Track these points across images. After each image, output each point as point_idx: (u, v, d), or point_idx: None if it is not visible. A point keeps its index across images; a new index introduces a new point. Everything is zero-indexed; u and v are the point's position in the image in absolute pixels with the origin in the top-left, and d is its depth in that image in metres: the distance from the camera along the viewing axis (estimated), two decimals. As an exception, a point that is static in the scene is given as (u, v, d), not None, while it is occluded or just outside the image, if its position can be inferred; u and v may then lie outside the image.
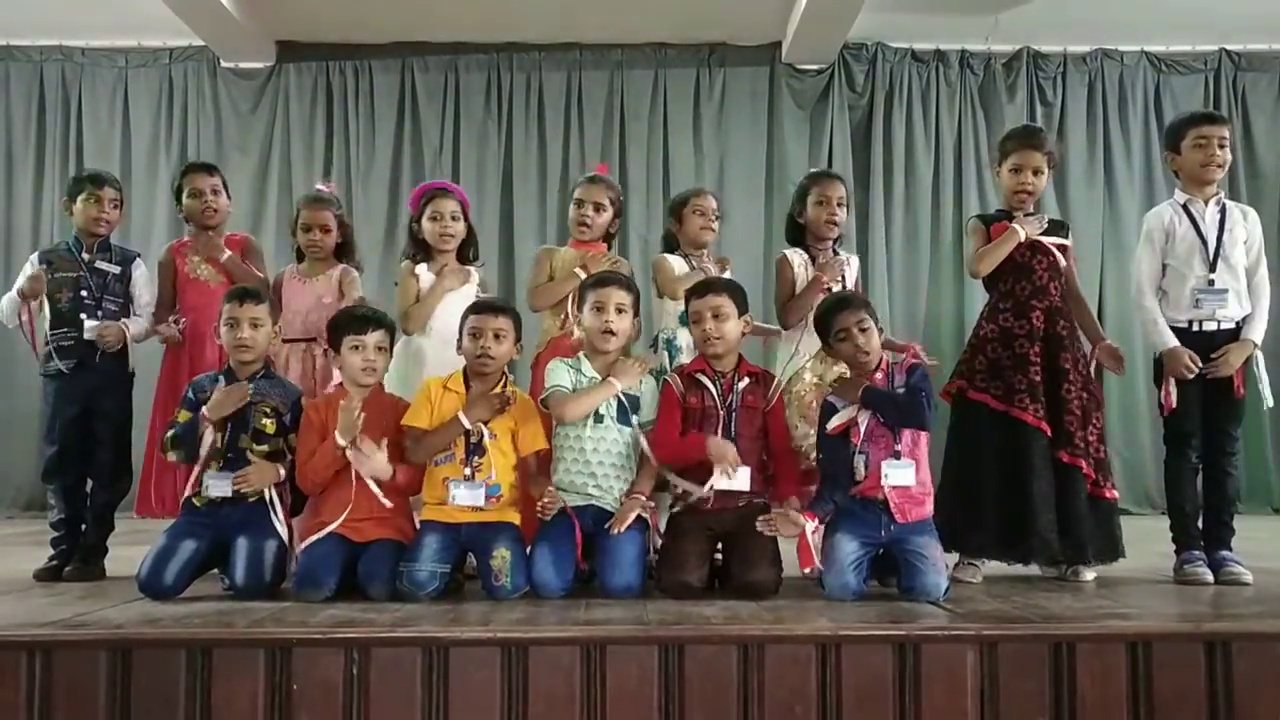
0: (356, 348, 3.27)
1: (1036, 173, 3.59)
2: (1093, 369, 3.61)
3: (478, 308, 3.34)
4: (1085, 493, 3.41)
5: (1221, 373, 3.47)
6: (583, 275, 3.69)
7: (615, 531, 3.10)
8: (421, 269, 3.81)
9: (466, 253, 3.92)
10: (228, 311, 3.34)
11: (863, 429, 3.11)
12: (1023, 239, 3.51)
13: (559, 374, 3.28)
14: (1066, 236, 3.64)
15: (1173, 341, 3.48)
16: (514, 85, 7.42)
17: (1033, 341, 3.47)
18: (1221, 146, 3.53)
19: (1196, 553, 3.46)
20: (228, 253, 3.97)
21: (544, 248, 4.09)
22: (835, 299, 3.37)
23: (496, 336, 3.24)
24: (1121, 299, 7.19)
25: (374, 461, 3.13)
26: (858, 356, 3.19)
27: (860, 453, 3.13)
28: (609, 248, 4.00)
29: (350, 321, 3.33)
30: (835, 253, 3.79)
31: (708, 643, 2.52)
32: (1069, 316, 3.56)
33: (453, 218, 3.80)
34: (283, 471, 3.25)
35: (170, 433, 3.29)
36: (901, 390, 3.14)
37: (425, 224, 3.78)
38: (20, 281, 3.79)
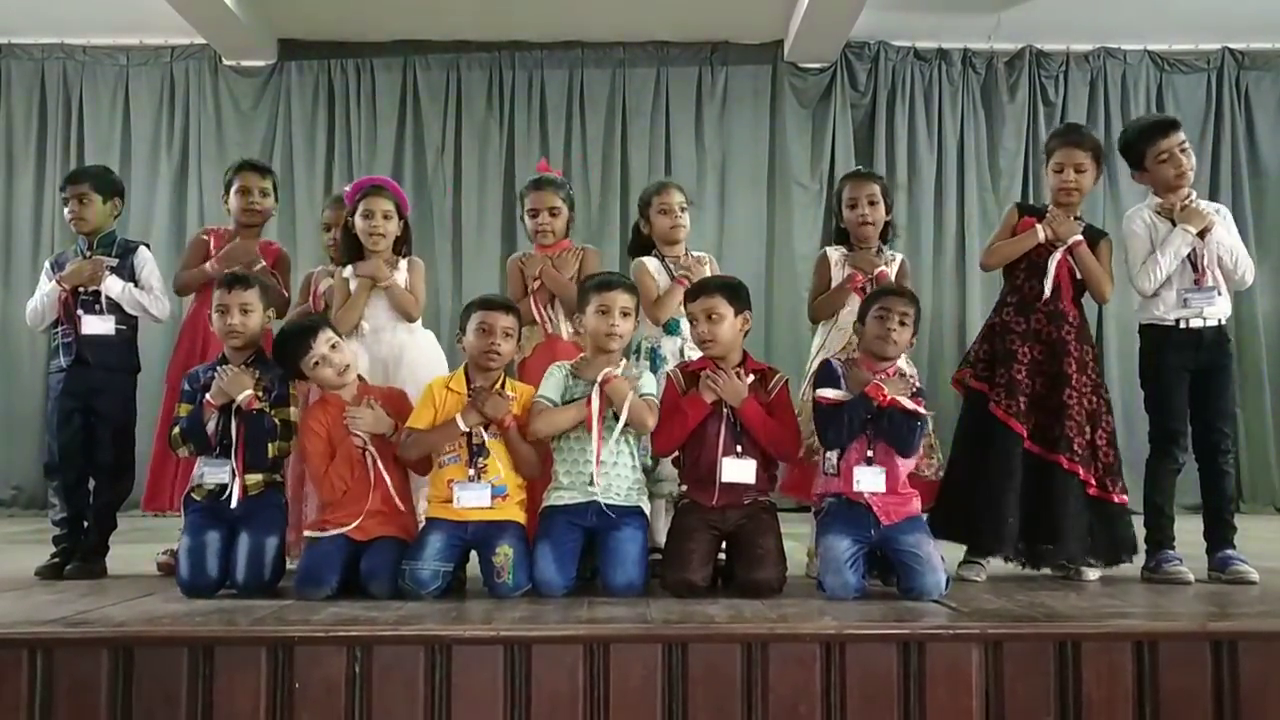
0: (318, 362, 3.19)
1: (1079, 170, 3.57)
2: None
3: (487, 304, 3.29)
4: (1084, 498, 3.39)
5: (1192, 221, 3.48)
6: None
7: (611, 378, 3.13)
8: (349, 271, 3.68)
9: (399, 251, 3.77)
10: (218, 298, 3.32)
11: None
12: (1041, 240, 3.49)
13: (550, 384, 3.25)
14: (1100, 241, 3.62)
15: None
16: (516, 84, 7.42)
17: (1025, 340, 3.47)
18: (1184, 151, 3.51)
19: (1171, 552, 3.45)
20: (261, 263, 3.89)
21: (514, 258, 3.99)
22: (895, 287, 3.43)
23: (505, 334, 3.22)
24: (1122, 299, 7.13)
25: (366, 418, 3.13)
26: (883, 342, 3.18)
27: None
28: (568, 236, 3.95)
29: (292, 342, 3.24)
30: (879, 250, 3.76)
31: (712, 641, 2.51)
32: (1075, 321, 3.54)
33: (384, 216, 3.65)
34: (250, 384, 3.21)
35: (175, 429, 3.27)
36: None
37: (358, 221, 3.66)
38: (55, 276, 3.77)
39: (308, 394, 3.49)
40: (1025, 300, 3.53)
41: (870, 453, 3.10)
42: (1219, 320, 3.53)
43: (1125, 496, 3.47)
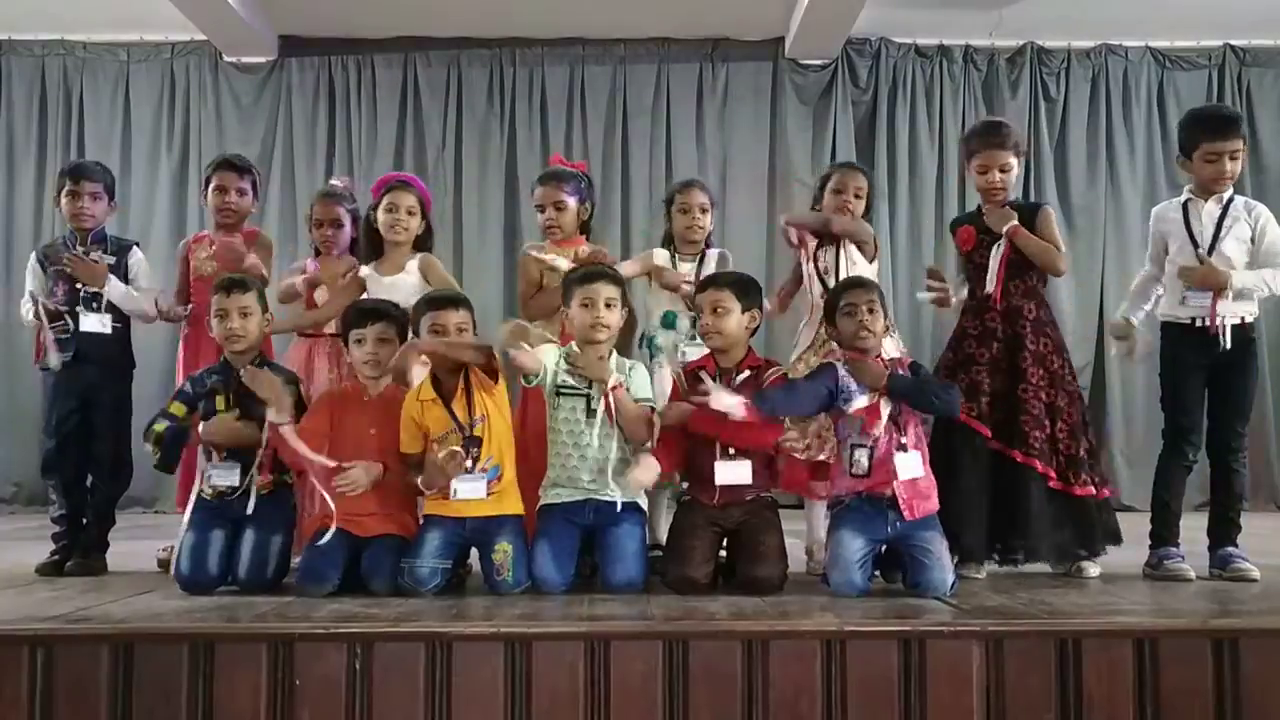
0: (359, 341, 3.26)
1: (1004, 170, 3.56)
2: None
3: (436, 303, 3.24)
4: (1044, 491, 3.38)
5: (1203, 279, 3.43)
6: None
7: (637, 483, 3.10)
8: (367, 270, 3.68)
9: (421, 248, 3.75)
10: (216, 303, 3.33)
11: (884, 417, 3.07)
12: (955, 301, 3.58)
13: (547, 356, 3.23)
14: (1036, 216, 3.58)
15: (1119, 316, 3.71)
16: (516, 80, 7.40)
17: (982, 343, 3.48)
18: (1233, 159, 3.46)
19: (1174, 549, 3.45)
20: (252, 258, 3.83)
21: (527, 251, 3.96)
22: (851, 278, 3.43)
23: (459, 330, 3.19)
24: (1122, 296, 7.16)
25: (360, 481, 3.10)
26: (859, 334, 3.16)
27: (860, 446, 3.09)
28: (587, 237, 3.92)
29: (355, 316, 3.32)
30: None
31: (712, 638, 2.51)
32: (1033, 315, 3.51)
33: (408, 211, 3.66)
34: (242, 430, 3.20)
35: (157, 426, 3.24)
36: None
37: (380, 214, 3.66)
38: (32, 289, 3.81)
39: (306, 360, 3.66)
40: (979, 303, 3.54)
41: (904, 439, 3.09)
42: (1241, 319, 3.47)
43: (1091, 489, 3.43)
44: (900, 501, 3.04)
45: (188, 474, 3.73)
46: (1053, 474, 3.39)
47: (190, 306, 3.88)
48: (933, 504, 3.11)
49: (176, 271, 4.04)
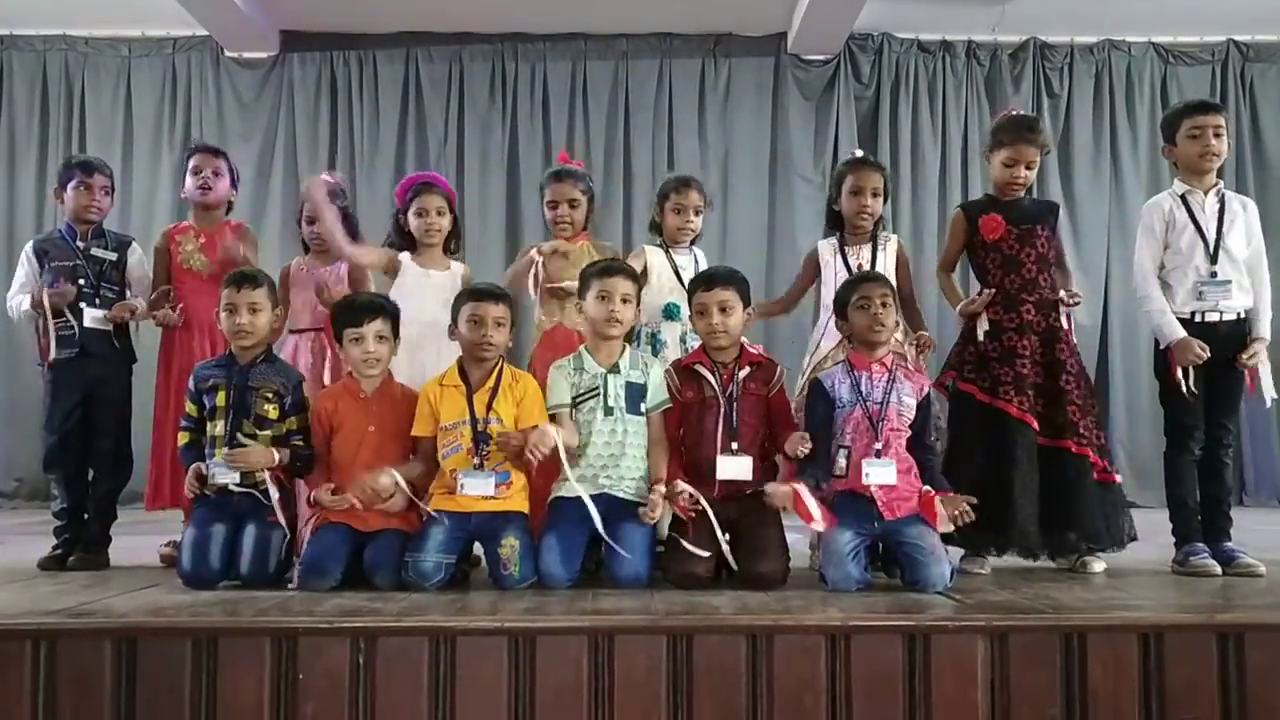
0: (356, 340, 3.23)
1: (1030, 166, 3.56)
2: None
3: (478, 294, 3.28)
4: (1094, 481, 3.39)
5: (1253, 364, 3.47)
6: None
7: (650, 519, 3.12)
8: (405, 257, 3.75)
9: (450, 245, 3.83)
10: (226, 297, 3.30)
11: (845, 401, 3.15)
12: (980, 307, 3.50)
13: (557, 390, 3.27)
14: (1055, 217, 3.61)
15: (1180, 332, 3.45)
16: (519, 75, 7.41)
17: (1023, 334, 3.46)
18: (1217, 136, 3.49)
19: (1200, 545, 3.44)
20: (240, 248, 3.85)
21: (532, 245, 3.97)
22: (865, 271, 3.44)
23: (497, 324, 3.21)
24: (1126, 290, 7.16)
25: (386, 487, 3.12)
26: (872, 328, 3.18)
27: (842, 447, 3.14)
28: (586, 229, 3.93)
29: (348, 312, 3.28)
30: (874, 236, 3.75)
31: (716, 633, 2.50)
32: (1058, 308, 3.52)
33: (438, 212, 3.72)
34: (277, 456, 3.18)
35: (183, 441, 3.32)
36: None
37: (412, 219, 3.72)
38: (27, 293, 3.76)
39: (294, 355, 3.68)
40: (1009, 295, 3.51)
41: (878, 445, 3.10)
42: (1238, 314, 3.49)
43: (1119, 477, 3.49)
44: (879, 502, 3.05)
45: (155, 474, 3.78)
46: (1100, 463, 3.41)
47: (180, 307, 3.81)
48: (915, 504, 3.10)
49: (151, 264, 3.95)
